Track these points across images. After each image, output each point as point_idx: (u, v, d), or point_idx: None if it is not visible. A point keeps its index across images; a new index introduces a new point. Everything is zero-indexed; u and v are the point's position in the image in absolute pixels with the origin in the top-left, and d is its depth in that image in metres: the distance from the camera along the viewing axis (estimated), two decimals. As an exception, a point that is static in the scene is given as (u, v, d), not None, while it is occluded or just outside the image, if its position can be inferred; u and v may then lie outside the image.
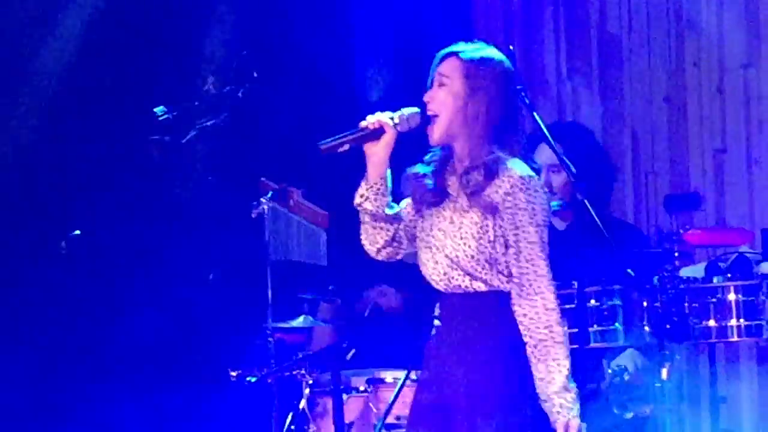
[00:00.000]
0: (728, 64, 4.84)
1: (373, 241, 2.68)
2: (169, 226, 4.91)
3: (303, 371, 3.94)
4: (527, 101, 2.99)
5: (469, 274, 2.51)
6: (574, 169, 3.36)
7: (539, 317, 2.45)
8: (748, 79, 4.79)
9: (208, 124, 4.28)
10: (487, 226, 2.49)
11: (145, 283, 4.93)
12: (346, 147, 2.60)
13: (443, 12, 5.39)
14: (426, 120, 2.60)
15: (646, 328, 3.38)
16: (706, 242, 3.71)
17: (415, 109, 2.61)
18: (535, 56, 5.45)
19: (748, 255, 3.86)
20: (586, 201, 3.33)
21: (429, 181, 2.63)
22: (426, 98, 2.59)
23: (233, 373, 3.94)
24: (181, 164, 4.67)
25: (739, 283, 3.42)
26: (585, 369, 3.33)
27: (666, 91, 5.05)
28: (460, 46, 2.61)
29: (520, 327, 2.47)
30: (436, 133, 2.56)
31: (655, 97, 5.07)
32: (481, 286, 2.52)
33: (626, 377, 3.44)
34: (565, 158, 3.42)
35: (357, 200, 2.62)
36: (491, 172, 2.49)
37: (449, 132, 2.55)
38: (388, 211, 2.64)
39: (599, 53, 5.27)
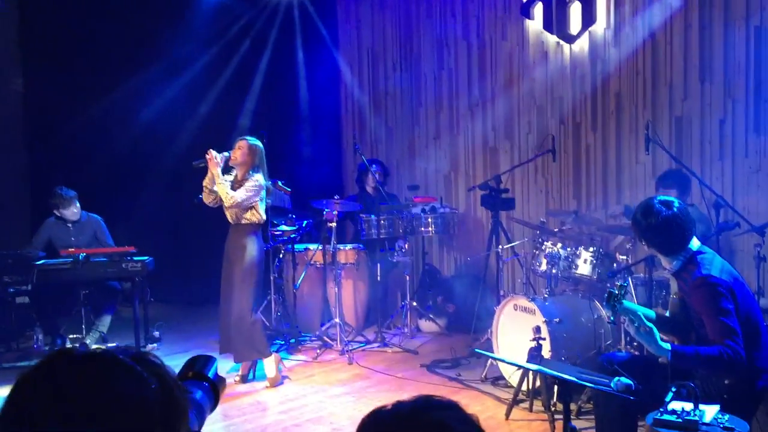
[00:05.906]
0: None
1: (208, 199, 6.62)
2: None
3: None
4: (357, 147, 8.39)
5: (238, 215, 6.62)
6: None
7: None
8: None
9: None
10: (243, 192, 6.55)
11: None
12: (203, 165, 6.34)
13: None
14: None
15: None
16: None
17: (226, 153, 6.53)
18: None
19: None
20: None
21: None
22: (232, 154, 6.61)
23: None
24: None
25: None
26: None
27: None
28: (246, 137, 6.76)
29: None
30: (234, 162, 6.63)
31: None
32: (242, 220, 6.62)
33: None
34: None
35: (206, 182, 6.55)
36: (252, 175, 6.58)
37: (236, 164, 6.62)
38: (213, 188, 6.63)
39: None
